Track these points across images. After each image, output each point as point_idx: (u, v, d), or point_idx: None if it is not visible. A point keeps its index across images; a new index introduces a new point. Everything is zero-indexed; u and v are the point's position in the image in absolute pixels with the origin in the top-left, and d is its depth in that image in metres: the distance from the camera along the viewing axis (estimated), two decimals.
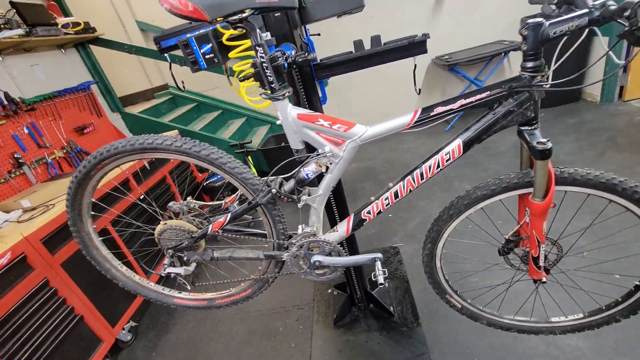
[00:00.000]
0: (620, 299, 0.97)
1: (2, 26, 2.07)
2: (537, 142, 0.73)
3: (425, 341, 1.54)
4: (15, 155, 2.04)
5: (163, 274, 0.96)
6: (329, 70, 1.26)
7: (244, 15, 0.66)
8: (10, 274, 1.45)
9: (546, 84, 0.69)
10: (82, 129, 2.55)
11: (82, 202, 0.93)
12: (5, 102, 2.04)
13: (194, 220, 1.00)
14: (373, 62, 1.24)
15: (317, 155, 0.82)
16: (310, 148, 0.86)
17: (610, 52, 0.64)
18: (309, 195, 0.89)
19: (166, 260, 0.96)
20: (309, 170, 0.84)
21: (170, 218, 0.99)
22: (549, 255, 0.96)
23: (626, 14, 0.55)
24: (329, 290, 1.98)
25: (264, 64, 0.72)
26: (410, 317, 1.68)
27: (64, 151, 2.37)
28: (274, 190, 0.85)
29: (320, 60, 1.26)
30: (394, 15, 3.63)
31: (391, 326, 1.67)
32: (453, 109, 0.75)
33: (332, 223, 1.44)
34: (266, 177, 0.86)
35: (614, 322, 0.99)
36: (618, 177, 0.78)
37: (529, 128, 0.76)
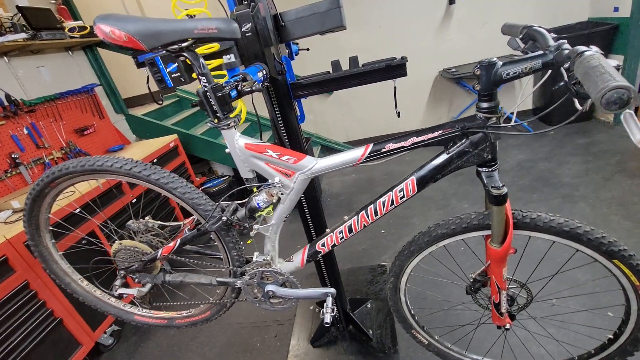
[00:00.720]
0: (592, 352, 0.90)
1: (7, 30, 2.14)
2: (492, 187, 0.68)
3: None
4: (13, 156, 2.09)
5: (115, 295, 0.95)
6: (305, 89, 1.24)
7: (184, 44, 0.64)
8: None
9: (502, 126, 0.65)
10: (83, 131, 2.60)
11: (40, 218, 0.93)
12: (6, 103, 2.09)
13: (153, 239, 0.99)
14: (350, 83, 1.21)
15: (268, 185, 0.80)
16: (260, 178, 0.83)
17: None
18: (262, 224, 0.86)
19: (117, 281, 0.95)
20: (260, 199, 0.81)
21: (130, 238, 0.98)
22: (517, 297, 0.90)
23: (565, 65, 0.50)
24: (311, 307, 1.95)
25: (207, 94, 0.70)
26: (388, 343, 1.63)
27: (63, 152, 2.42)
28: (224, 218, 0.83)
29: (297, 79, 1.24)
30: (402, 26, 3.58)
31: (368, 351, 1.62)
32: (405, 147, 0.71)
33: (310, 240, 1.42)
34: (219, 203, 0.84)
35: None
36: (584, 226, 0.72)
37: (487, 170, 0.71)
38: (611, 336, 0.86)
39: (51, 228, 0.99)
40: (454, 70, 3.51)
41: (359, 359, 1.59)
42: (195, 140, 3.23)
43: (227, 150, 0.80)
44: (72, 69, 2.79)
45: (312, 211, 1.37)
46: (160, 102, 1.17)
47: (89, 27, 2.67)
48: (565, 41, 0.56)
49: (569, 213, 2.14)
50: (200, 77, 0.70)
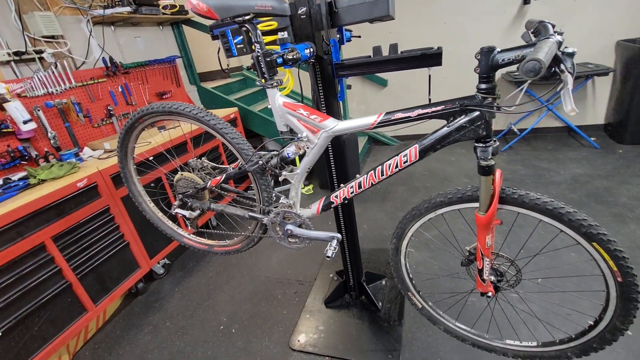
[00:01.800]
0: (573, 336, 0.95)
1: (116, 3, 2.58)
2: (482, 158, 0.79)
3: (400, 340, 1.61)
4: (109, 107, 2.55)
5: (172, 213, 1.22)
6: (347, 70, 1.39)
7: (247, 17, 0.84)
8: (83, 197, 1.88)
9: (496, 106, 0.75)
10: (162, 95, 3.03)
11: (128, 146, 1.23)
12: (109, 64, 2.55)
13: (206, 177, 1.24)
14: (388, 67, 1.33)
15: (298, 138, 0.98)
16: (292, 132, 1.02)
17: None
18: (290, 172, 1.05)
19: (176, 202, 1.21)
20: (290, 150, 1.00)
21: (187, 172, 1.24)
22: (505, 274, 0.99)
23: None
24: (331, 275, 2.13)
25: (258, 58, 0.90)
26: (395, 316, 1.75)
27: None
28: (261, 162, 1.03)
29: (342, 60, 1.39)
30: (469, 23, 3.51)
31: (375, 319, 1.76)
32: (411, 117, 0.84)
33: (332, 190, 1.55)
34: (257, 150, 1.05)
35: (566, 359, 0.98)
36: (567, 207, 0.79)
37: (482, 145, 0.81)
38: (592, 322, 0.91)
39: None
40: (517, 74, 3.37)
41: (365, 324, 1.74)
42: (253, 116, 3.54)
43: (268, 106, 1.00)
44: (160, 42, 3.24)
45: (337, 162, 1.51)
46: (227, 71, 1.40)
47: (178, 6, 3.07)
48: (555, 34, 0.64)
49: (615, 232, 2.03)
50: (255, 44, 0.89)
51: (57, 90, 2.21)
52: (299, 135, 0.98)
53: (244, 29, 0.88)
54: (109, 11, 2.44)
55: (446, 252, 1.87)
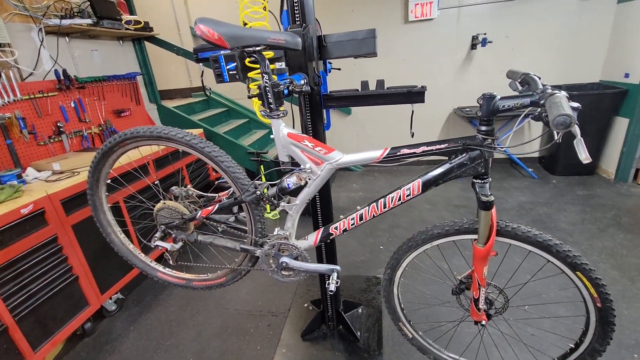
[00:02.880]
0: (556, 359, 1.02)
1: (75, 14, 2.40)
2: (482, 194, 0.85)
3: None
4: (58, 124, 2.30)
5: (152, 245, 1.11)
6: (335, 101, 1.43)
7: (257, 48, 0.83)
8: (27, 224, 1.64)
9: (495, 147, 0.82)
10: (120, 112, 2.83)
11: (102, 172, 1.11)
12: (62, 77, 2.33)
13: (189, 205, 1.15)
14: (375, 102, 1.40)
15: (300, 169, 0.97)
16: (295, 164, 1.00)
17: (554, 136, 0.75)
18: (288, 202, 1.02)
19: (157, 234, 1.11)
20: (290, 181, 0.98)
21: (170, 200, 1.15)
22: (495, 302, 1.04)
23: (542, 101, 0.68)
24: (305, 305, 2.06)
25: (266, 88, 0.89)
26: (374, 345, 1.74)
27: (100, 128, 2.63)
28: (258, 192, 0.99)
29: (330, 92, 1.43)
30: (425, 62, 3.84)
31: (354, 350, 1.73)
32: (416, 153, 0.88)
33: (316, 228, 1.56)
34: (254, 180, 1.01)
35: None
36: (555, 239, 0.87)
37: (480, 181, 0.87)
38: (572, 345, 0.98)
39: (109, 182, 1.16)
40: (468, 109, 3.72)
41: (344, 356, 1.69)
42: (218, 138, 3.44)
43: (272, 136, 0.97)
44: (120, 57, 3.06)
45: (322, 202, 1.52)
46: (209, 94, 1.36)
47: (143, 22, 2.95)
48: (549, 86, 0.73)
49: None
50: (263, 74, 0.88)
51: None
52: (302, 166, 0.97)
53: (251, 59, 0.87)
54: (66, 22, 2.26)
55: (435, 281, 1.94)
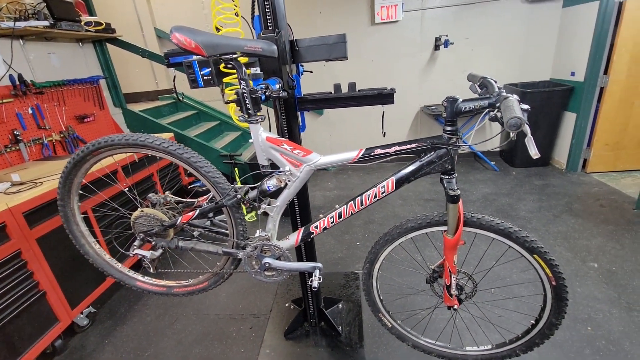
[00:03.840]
0: (520, 335, 1.13)
1: (30, 16, 2.27)
2: (450, 189, 0.92)
3: None
4: (15, 132, 2.17)
5: (131, 254, 1.09)
6: (309, 104, 1.47)
7: (234, 55, 0.85)
8: None
9: (460, 145, 0.89)
10: (83, 118, 2.70)
11: (74, 181, 1.07)
12: (17, 83, 2.19)
13: (167, 212, 1.15)
14: (347, 104, 1.45)
15: (279, 172, 1.00)
16: (273, 166, 1.03)
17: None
18: (269, 204, 1.05)
19: (136, 243, 1.09)
20: (270, 183, 1.01)
21: (147, 207, 1.13)
22: (465, 287, 1.12)
23: (498, 104, 0.76)
24: (286, 304, 2.09)
25: (244, 94, 0.91)
26: (355, 339, 1.80)
27: (62, 135, 2.50)
28: (239, 196, 1.01)
29: (304, 95, 1.47)
30: (392, 63, 3.97)
31: (337, 345, 1.78)
32: (389, 153, 0.94)
33: (295, 230, 1.60)
34: (234, 184, 1.03)
35: (515, 356, 1.14)
36: (515, 227, 0.96)
37: (447, 177, 0.95)
38: (533, 321, 1.09)
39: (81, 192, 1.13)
40: (434, 107, 3.90)
41: (327, 351, 1.74)
42: (189, 142, 3.37)
43: (250, 140, 1.00)
44: (79, 60, 2.92)
45: (300, 209, 1.57)
46: (182, 99, 1.35)
47: (104, 24, 2.83)
48: (504, 90, 0.82)
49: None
50: (241, 80, 0.90)
51: None
52: (282, 169, 1.00)
53: (229, 65, 0.89)
54: (21, 24, 2.14)
55: (409, 272, 2.04)
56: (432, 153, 0.93)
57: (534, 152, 0.68)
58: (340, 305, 2.02)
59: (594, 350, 1.60)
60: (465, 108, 0.85)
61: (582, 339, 1.66)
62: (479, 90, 0.96)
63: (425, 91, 4.05)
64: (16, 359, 1.63)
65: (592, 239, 2.46)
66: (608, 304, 1.86)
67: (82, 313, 2.05)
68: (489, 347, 1.19)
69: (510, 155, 3.97)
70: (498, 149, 4.24)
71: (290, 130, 1.44)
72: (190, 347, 1.87)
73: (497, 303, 1.60)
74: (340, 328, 1.84)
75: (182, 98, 1.35)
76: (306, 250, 1.69)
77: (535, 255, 0.96)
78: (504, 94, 0.80)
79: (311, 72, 1.94)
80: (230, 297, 2.23)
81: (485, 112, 0.84)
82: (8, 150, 2.13)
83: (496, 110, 0.78)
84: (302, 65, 1.68)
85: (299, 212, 1.57)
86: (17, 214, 1.66)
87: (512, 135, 0.81)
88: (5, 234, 1.62)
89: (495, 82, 0.90)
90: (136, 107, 3.53)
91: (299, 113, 1.48)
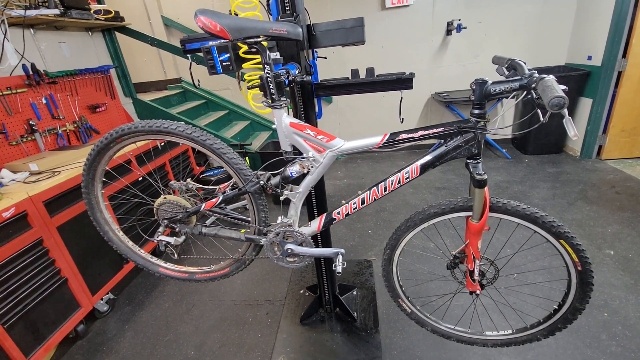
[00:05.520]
0: (542, 320, 1.13)
1: (41, 4, 2.26)
2: (477, 174, 0.91)
3: (380, 346, 1.68)
4: (30, 122, 2.19)
5: (156, 240, 1.10)
6: (327, 90, 1.45)
7: (258, 39, 0.84)
8: (9, 228, 1.57)
9: (488, 128, 0.88)
10: (95, 108, 2.71)
11: (97, 169, 1.08)
12: (31, 72, 2.20)
13: (189, 199, 1.16)
14: (365, 89, 1.43)
15: (302, 158, 0.99)
16: (296, 152, 1.03)
17: (541, 114, 0.82)
18: (291, 191, 1.05)
19: (160, 229, 1.11)
20: (293, 169, 1.00)
21: (169, 194, 1.14)
22: (486, 273, 1.12)
23: (533, 85, 0.74)
24: (301, 291, 2.12)
25: (268, 79, 0.90)
26: (370, 324, 1.82)
27: (75, 125, 2.52)
28: (262, 182, 1.01)
29: (321, 80, 1.45)
30: (402, 49, 3.90)
31: (352, 330, 1.80)
32: (414, 137, 0.93)
33: (312, 219, 1.61)
34: (257, 170, 1.03)
35: (536, 341, 1.15)
36: (541, 211, 0.95)
37: (473, 161, 0.94)
38: (556, 306, 1.09)
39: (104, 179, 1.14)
40: (445, 94, 3.83)
41: (343, 337, 1.77)
42: None
43: (273, 126, 0.99)
44: (89, 49, 2.91)
45: (317, 197, 1.57)
46: (198, 85, 1.35)
47: (113, 12, 2.81)
48: (535, 71, 0.80)
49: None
50: (265, 65, 0.89)
51: None
52: (305, 154, 0.99)
53: (252, 49, 0.87)
54: (32, 12, 2.13)
55: (426, 257, 2.05)
56: (458, 137, 0.91)
57: (573, 133, 0.67)
58: (354, 292, 2.04)
59: (610, 336, 1.60)
60: (495, 90, 0.83)
61: (598, 325, 1.66)
62: (507, 73, 0.94)
63: (437, 77, 3.98)
64: (41, 343, 1.68)
65: (607, 226, 2.43)
66: (624, 291, 1.85)
67: (102, 299, 2.09)
68: (510, 331, 1.19)
69: (522, 143, 3.91)
70: (510, 136, 4.18)
71: (307, 117, 1.43)
72: (208, 332, 1.91)
73: (517, 288, 1.60)
74: (355, 314, 1.85)
75: (199, 84, 1.34)
76: (322, 237, 1.69)
77: (561, 240, 0.95)
78: (536, 74, 0.78)
79: (325, 58, 1.91)
80: (245, 284, 2.26)
81: (511, 95, 0.82)
82: (24, 140, 2.16)
83: (527, 91, 0.76)
84: (317, 51, 1.66)
85: (316, 199, 1.57)
86: (37, 203, 1.69)
87: (544, 117, 0.79)
88: (26, 222, 1.65)
89: (525, 63, 0.88)
90: (146, 97, 3.53)
91: (315, 99, 1.47)
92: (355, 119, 4.31)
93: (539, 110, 0.84)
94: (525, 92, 0.85)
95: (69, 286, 1.85)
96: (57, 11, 2.25)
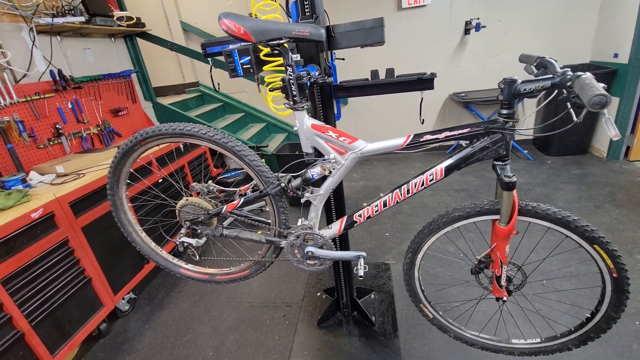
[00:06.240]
0: (573, 329, 1.08)
1: (67, 12, 2.34)
2: (505, 176, 0.88)
3: (399, 352, 1.64)
4: (57, 126, 2.26)
5: (178, 242, 1.12)
6: (346, 91, 1.44)
7: (281, 41, 0.84)
8: (37, 228, 1.63)
9: (516, 129, 0.85)
10: (117, 112, 2.78)
11: (122, 171, 1.11)
12: (58, 78, 2.28)
13: (210, 201, 1.16)
14: (385, 90, 1.41)
15: (324, 160, 0.98)
16: (317, 154, 1.02)
17: (574, 114, 0.79)
18: (312, 193, 1.04)
19: (183, 231, 1.12)
20: (314, 171, 1.00)
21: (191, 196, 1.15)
22: (513, 279, 1.08)
23: (568, 83, 0.71)
24: (318, 294, 2.10)
25: (291, 81, 0.90)
26: (389, 329, 1.79)
27: (98, 129, 2.59)
28: (282, 184, 1.01)
29: (340, 82, 1.44)
30: (419, 49, 3.85)
31: (370, 334, 1.78)
32: (439, 139, 0.90)
33: (329, 222, 1.59)
34: (278, 173, 1.03)
35: (567, 350, 1.10)
36: (573, 215, 0.91)
37: (501, 163, 0.90)
38: (589, 315, 1.04)
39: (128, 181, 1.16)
40: (463, 94, 3.76)
41: (361, 341, 1.74)
42: None
43: (295, 128, 0.99)
44: (112, 54, 2.99)
45: (336, 200, 1.56)
46: (218, 89, 1.36)
47: (135, 18, 2.89)
48: (569, 69, 0.76)
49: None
50: (287, 67, 0.89)
51: None
52: (326, 156, 0.98)
53: (276, 51, 0.87)
54: (59, 20, 2.21)
55: (452, 261, 2.01)
56: (485, 138, 0.88)
57: (614, 133, 0.63)
58: (372, 296, 2.01)
59: None
60: (525, 89, 0.80)
61: (629, 334, 1.58)
62: (536, 71, 0.91)
63: (454, 78, 3.91)
64: (66, 341, 1.72)
65: (638, 230, 2.32)
66: None
67: (123, 298, 2.14)
68: (538, 340, 1.15)
69: (544, 143, 3.79)
70: (531, 137, 4.06)
71: (327, 119, 1.42)
72: (226, 333, 1.92)
73: (545, 295, 1.54)
74: (373, 318, 1.83)
75: (219, 88, 1.36)
76: (340, 240, 1.68)
77: (595, 246, 0.91)
78: (570, 72, 0.75)
79: (343, 59, 1.90)
80: (262, 286, 2.27)
81: (540, 95, 0.79)
82: (51, 143, 2.23)
83: (559, 90, 0.73)
84: (334, 53, 1.65)
85: (334, 201, 1.55)
86: (64, 204, 1.74)
87: (579, 117, 0.76)
88: (53, 222, 1.71)
89: (556, 61, 0.85)
90: (165, 101, 3.61)
91: (334, 101, 1.46)
92: (372, 120, 4.28)
93: (571, 110, 0.81)
94: (556, 91, 0.82)
95: (93, 285, 1.90)
96: (82, 18, 2.32)
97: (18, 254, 1.52)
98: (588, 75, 0.67)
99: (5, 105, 1.96)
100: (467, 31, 3.65)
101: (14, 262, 1.50)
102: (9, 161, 1.94)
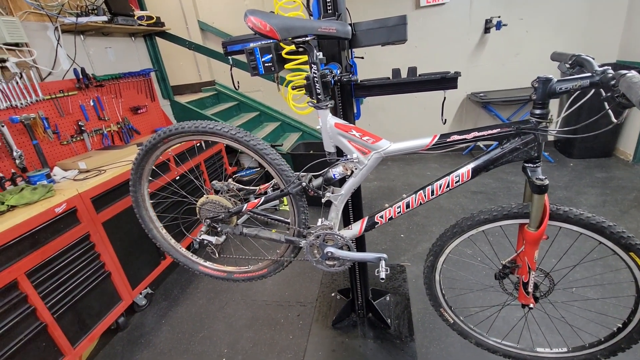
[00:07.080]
0: (603, 339, 1.03)
1: (91, 12, 2.39)
2: (536, 179, 0.85)
3: (415, 356, 1.62)
4: (79, 123, 2.31)
5: (198, 239, 1.12)
6: (366, 90, 1.42)
7: (307, 38, 0.83)
8: (61, 223, 1.67)
9: (549, 130, 0.81)
10: (137, 110, 2.83)
11: (145, 168, 1.12)
12: (81, 76, 2.33)
13: (230, 199, 1.16)
14: (407, 89, 1.38)
15: (346, 159, 0.97)
16: (339, 153, 1.01)
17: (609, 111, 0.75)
18: (333, 193, 1.03)
19: (203, 228, 1.12)
20: (336, 171, 0.98)
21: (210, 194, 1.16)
22: (540, 285, 1.04)
23: (612, 82, 0.67)
24: (332, 294, 2.09)
25: (315, 79, 0.89)
26: (405, 332, 1.76)
27: (118, 126, 2.64)
28: (304, 184, 1.00)
29: (360, 81, 1.42)
30: (437, 48, 3.79)
31: (386, 337, 1.75)
32: (467, 139, 0.88)
33: (346, 224, 1.58)
34: (299, 172, 1.02)
35: None
36: (608, 221, 0.87)
37: (532, 165, 0.87)
38: (620, 325, 0.99)
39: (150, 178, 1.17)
40: (482, 94, 3.68)
41: (376, 343, 1.72)
42: None
43: (317, 127, 0.98)
44: (132, 53, 3.05)
45: (353, 201, 1.55)
46: (237, 88, 1.36)
47: (155, 18, 2.93)
48: (609, 67, 0.73)
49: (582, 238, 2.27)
50: (312, 64, 0.88)
51: (21, 104, 1.96)
52: (349, 156, 0.97)
53: (301, 49, 0.86)
54: (83, 19, 2.25)
55: (474, 266, 1.96)
56: (516, 139, 0.85)
57: None
58: (387, 298, 1.99)
59: None
60: (560, 88, 0.76)
61: None
62: (571, 70, 0.87)
63: (472, 77, 3.83)
64: (87, 333, 1.76)
65: None
66: None
67: (141, 293, 2.18)
68: (565, 349, 1.10)
69: (567, 146, 3.68)
70: (552, 139, 3.94)
71: (346, 118, 1.41)
72: (240, 331, 1.93)
73: (571, 303, 1.47)
74: (389, 320, 1.80)
75: (239, 87, 1.36)
76: (357, 241, 1.66)
77: (631, 253, 0.86)
78: (611, 71, 0.71)
79: (362, 57, 1.88)
80: (277, 285, 2.27)
81: (576, 94, 0.75)
82: (74, 140, 2.28)
83: (597, 89, 0.69)
84: (354, 51, 1.63)
85: (352, 202, 1.54)
86: (86, 200, 1.77)
87: (621, 118, 0.72)
88: (76, 217, 1.74)
89: (594, 59, 0.81)
90: (182, 99, 3.65)
91: (354, 100, 1.44)
92: (387, 120, 4.24)
93: (609, 111, 0.77)
94: (592, 90, 0.79)
95: (112, 280, 1.93)
96: (105, 18, 2.37)
97: (42, 247, 1.56)
98: (635, 73, 0.63)
99: (31, 102, 2.02)
100: (487, 29, 3.57)
101: (38, 255, 1.54)
102: (34, 157, 2.00)
